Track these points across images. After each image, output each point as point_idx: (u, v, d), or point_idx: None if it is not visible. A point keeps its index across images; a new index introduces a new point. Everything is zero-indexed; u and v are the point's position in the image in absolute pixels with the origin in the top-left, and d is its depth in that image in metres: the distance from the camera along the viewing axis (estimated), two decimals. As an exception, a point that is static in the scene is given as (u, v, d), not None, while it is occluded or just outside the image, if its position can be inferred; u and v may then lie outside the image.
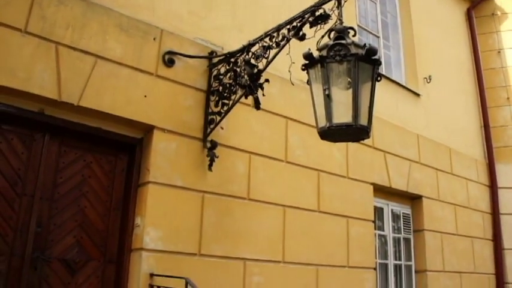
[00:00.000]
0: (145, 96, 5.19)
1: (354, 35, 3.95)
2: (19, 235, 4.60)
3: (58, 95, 4.68)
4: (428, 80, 9.36)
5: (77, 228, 4.94)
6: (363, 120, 3.86)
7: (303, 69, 4.06)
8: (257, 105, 5.11)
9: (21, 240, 4.60)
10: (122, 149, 5.34)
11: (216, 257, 5.36)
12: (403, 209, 8.44)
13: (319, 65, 3.92)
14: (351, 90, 3.81)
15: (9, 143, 4.71)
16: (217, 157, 5.43)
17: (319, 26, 4.36)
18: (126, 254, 5.02)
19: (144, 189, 5.09)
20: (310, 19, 4.41)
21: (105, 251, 5.08)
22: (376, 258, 7.50)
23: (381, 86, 4.07)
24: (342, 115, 3.85)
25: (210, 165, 5.40)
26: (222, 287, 5.25)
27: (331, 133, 3.92)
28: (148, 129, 5.26)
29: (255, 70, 4.91)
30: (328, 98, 3.83)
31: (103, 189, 5.18)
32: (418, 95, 9.12)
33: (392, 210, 8.24)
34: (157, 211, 5.03)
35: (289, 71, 4.61)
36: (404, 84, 9.06)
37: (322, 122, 3.92)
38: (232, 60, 5.32)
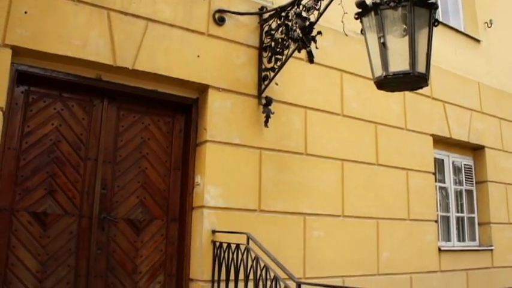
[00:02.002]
0: (198, 56, 5.20)
1: (408, -20, 3.78)
2: (86, 197, 4.81)
3: (113, 60, 4.77)
4: (489, 25, 8.90)
5: (140, 189, 5.10)
6: (421, 68, 3.74)
7: (356, 18, 3.95)
8: (311, 58, 5.02)
9: (88, 202, 4.81)
10: (178, 110, 5.42)
11: (276, 213, 5.42)
12: (464, 160, 8.20)
13: (372, 13, 3.80)
14: (407, 38, 3.69)
15: (71, 110, 4.87)
16: (273, 113, 5.42)
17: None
18: (188, 212, 5.16)
19: (202, 148, 5.16)
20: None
21: (168, 210, 5.24)
22: (437, 210, 7.38)
23: (438, 34, 3.91)
24: (399, 63, 3.74)
25: (266, 122, 5.40)
26: (282, 242, 5.32)
27: (388, 82, 3.83)
28: (203, 89, 5.29)
29: (307, 23, 4.80)
30: (383, 46, 3.73)
31: (162, 150, 5.30)
32: (478, 41, 8.71)
33: (453, 161, 8.03)
34: (216, 169, 5.10)
35: (342, 22, 4.49)
36: (463, 30, 8.66)
37: (378, 72, 3.83)
38: (283, 14, 5.22)
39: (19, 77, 4.52)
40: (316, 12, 4.73)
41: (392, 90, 4.18)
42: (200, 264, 4.89)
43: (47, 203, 4.62)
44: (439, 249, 7.09)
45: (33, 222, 4.54)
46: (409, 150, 6.95)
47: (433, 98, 7.46)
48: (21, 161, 4.56)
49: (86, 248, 4.74)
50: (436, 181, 7.46)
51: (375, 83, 3.91)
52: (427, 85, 3.89)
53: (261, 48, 5.61)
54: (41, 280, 4.50)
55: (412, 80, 3.77)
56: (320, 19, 4.76)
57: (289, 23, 5.07)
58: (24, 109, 4.64)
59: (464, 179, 8.15)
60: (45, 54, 4.47)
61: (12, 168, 4.49)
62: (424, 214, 6.96)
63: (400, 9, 3.69)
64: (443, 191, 7.85)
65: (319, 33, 4.86)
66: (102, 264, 4.80)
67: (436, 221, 7.22)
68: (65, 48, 4.52)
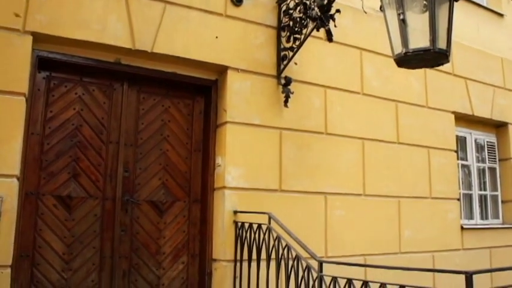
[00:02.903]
0: (216, 37, 5.19)
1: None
2: (109, 180, 4.88)
3: (132, 43, 4.79)
4: (513, -2, 8.71)
5: (162, 171, 5.15)
6: (442, 44, 3.68)
7: (375, -5, 3.90)
8: (329, 37, 4.99)
9: (111, 185, 4.88)
10: (197, 91, 5.44)
11: (297, 192, 5.44)
12: (487, 137, 8.10)
13: (391, -12, 3.75)
14: (427, 13, 3.63)
15: (92, 94, 4.92)
16: (293, 93, 5.40)
17: None
18: (209, 193, 5.20)
19: (223, 130, 5.18)
20: None
21: (190, 191, 5.29)
22: (459, 188, 7.31)
23: (459, 9, 3.85)
24: (419, 40, 3.69)
25: (286, 102, 5.39)
26: (304, 221, 5.34)
27: (408, 60, 3.78)
28: (222, 70, 5.29)
29: (325, 1, 4.76)
30: (403, 23, 3.68)
31: (183, 132, 5.33)
32: (501, 15, 8.53)
33: (475, 139, 7.93)
34: (237, 150, 5.12)
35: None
36: (485, 4, 8.48)
37: (398, 49, 3.77)
38: (301, -8, 5.18)
39: (40, 63, 4.57)
40: (334, -10, 4.69)
41: (413, 68, 4.13)
42: (222, 245, 4.94)
43: (71, 187, 4.70)
44: (462, 227, 7.05)
45: (58, 206, 4.63)
46: (431, 128, 6.88)
47: (455, 75, 7.36)
48: (45, 145, 4.64)
49: (110, 229, 4.82)
50: (458, 159, 7.39)
51: (395, 60, 3.87)
52: (448, 61, 3.82)
53: (279, 28, 5.57)
54: (67, 261, 4.60)
55: (432, 57, 3.72)
56: (338, -3, 4.72)
57: (307, 2, 5.03)
58: (46, 95, 4.70)
59: (487, 156, 8.05)
60: (64, 40, 4.50)
61: (36, 153, 4.57)
62: (446, 192, 6.92)
63: (419, -16, 3.63)
64: (466, 168, 7.77)
65: (338, 11, 4.81)
66: (126, 245, 4.88)
67: (459, 199, 7.17)
68: (84, 33, 4.55)
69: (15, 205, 4.10)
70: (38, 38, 4.38)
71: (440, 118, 7.06)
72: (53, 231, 4.58)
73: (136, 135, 5.08)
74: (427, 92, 6.94)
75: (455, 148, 7.22)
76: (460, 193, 7.30)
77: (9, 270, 3.98)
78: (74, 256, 4.64)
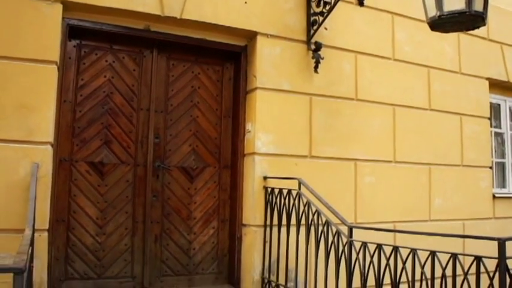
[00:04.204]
0: (245, 2, 5.13)
1: None
2: (140, 147, 4.94)
3: (161, 10, 4.77)
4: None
5: (192, 137, 5.19)
6: (478, 6, 3.58)
7: (408, -44, 3.78)
8: (360, 1, 4.93)
9: (142, 151, 4.94)
10: (227, 58, 5.41)
11: (327, 159, 5.42)
12: (522, 105, 7.90)
13: (424, -51, 3.64)
14: (462, -27, 3.53)
15: (122, 62, 4.95)
16: (323, 59, 5.33)
17: None
18: (239, 159, 5.23)
19: (252, 96, 5.17)
20: None
21: (220, 157, 5.32)
22: (492, 156, 7.18)
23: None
24: (454, 2, 3.60)
25: (316, 67, 5.32)
26: (334, 187, 5.32)
27: (442, 23, 3.69)
28: (251, 36, 5.25)
29: (357, -37, 4.66)
30: (437, -17, 3.58)
31: (212, 99, 5.34)
32: (539, -24, 8.20)
33: (510, 106, 7.73)
34: (267, 116, 5.12)
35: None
36: (523, -35, 8.15)
37: (432, 12, 3.69)
38: (332, -45, 5.06)
39: (70, 31, 4.60)
40: (365, -48, 4.57)
41: (447, 31, 4.02)
42: (252, 210, 4.98)
43: (103, 153, 4.79)
44: (494, 196, 6.95)
45: (91, 172, 4.72)
46: (463, 94, 6.73)
47: (490, 40, 7.13)
48: (77, 113, 4.71)
49: (142, 195, 4.90)
50: (491, 126, 7.23)
51: (428, 23, 3.78)
52: (484, 25, 3.72)
53: (309, -8, 5.47)
54: (101, 226, 4.71)
55: (468, 20, 3.63)
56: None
57: (338, -35, 4.92)
58: (77, 63, 4.75)
59: (522, 123, 7.86)
60: (94, 7, 4.51)
61: (69, 121, 4.65)
62: (479, 160, 6.81)
63: None
64: (499, 137, 7.61)
65: (369, -27, 4.70)
66: (158, 210, 4.96)
67: (491, 168, 7.05)
68: (113, 0, 4.54)
69: (50, 171, 4.19)
70: (68, 7, 4.40)
71: (474, 84, 6.89)
72: (87, 197, 4.68)
73: (167, 102, 5.11)
74: (461, 57, 6.76)
75: (488, 115, 7.06)
76: (492, 161, 7.17)
77: (46, 234, 4.09)
78: (107, 221, 4.75)
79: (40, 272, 3.98)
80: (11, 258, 2.48)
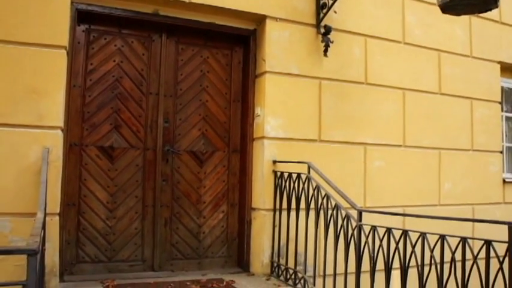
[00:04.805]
0: (254, -14, 5.10)
1: None
2: (149, 131, 4.95)
3: (170, -7, 4.75)
4: None
5: (201, 121, 5.19)
6: (490, -12, 3.53)
7: None
8: (371, -17, 4.83)
9: (151, 136, 4.96)
10: (236, 41, 5.39)
11: (336, 143, 5.41)
12: (534, 89, 7.81)
13: None
14: (475, -46, 3.48)
15: (130, 46, 4.94)
16: (332, 42, 5.30)
17: None
18: (248, 143, 5.24)
19: (262, 80, 5.15)
20: None
21: (229, 142, 5.33)
22: (502, 141, 7.12)
23: None
24: (466, -17, 3.54)
25: (325, 51, 5.29)
26: (343, 172, 5.32)
27: (454, 5, 3.64)
28: (260, 20, 5.21)
29: None
30: (449, -36, 3.53)
31: (222, 83, 5.33)
32: (553, -42, 8.05)
33: (521, 91, 7.66)
34: (276, 100, 5.10)
35: None
36: None
37: (443, -6, 3.64)
38: None
39: (79, 16, 4.60)
40: None
41: (458, 14, 3.97)
42: (262, 194, 5.00)
43: (113, 137, 4.81)
44: (504, 181, 6.91)
45: (101, 156, 4.75)
46: (474, 78, 6.66)
47: (502, 23, 7.03)
48: (86, 98, 4.72)
49: (152, 179, 4.93)
50: (502, 111, 7.17)
51: (439, 6, 3.73)
52: (496, 7, 3.67)
53: (319, -25, 5.42)
54: (111, 210, 4.75)
55: (480, 2, 3.58)
56: None
57: None
58: (86, 47, 4.76)
59: (533, 108, 7.78)
60: (103, -9, 4.51)
61: (78, 105, 4.67)
62: (489, 145, 6.76)
63: None
64: (510, 121, 7.54)
65: (380, -45, 4.64)
66: (168, 194, 4.99)
67: (501, 152, 7.00)
68: (117, -16, 4.55)
69: (61, 156, 4.21)
70: (77, -10, 4.40)
71: (485, 68, 6.81)
72: (97, 181, 4.72)
73: (176, 86, 5.11)
74: (472, 40, 6.68)
75: (499, 100, 6.99)
76: (503, 146, 7.12)
77: (57, 218, 4.13)
78: (118, 205, 4.79)
79: (52, 256, 4.02)
80: (23, 241, 2.51)
